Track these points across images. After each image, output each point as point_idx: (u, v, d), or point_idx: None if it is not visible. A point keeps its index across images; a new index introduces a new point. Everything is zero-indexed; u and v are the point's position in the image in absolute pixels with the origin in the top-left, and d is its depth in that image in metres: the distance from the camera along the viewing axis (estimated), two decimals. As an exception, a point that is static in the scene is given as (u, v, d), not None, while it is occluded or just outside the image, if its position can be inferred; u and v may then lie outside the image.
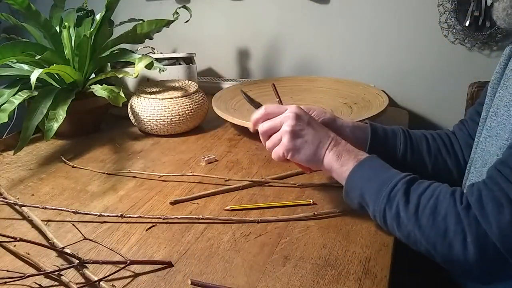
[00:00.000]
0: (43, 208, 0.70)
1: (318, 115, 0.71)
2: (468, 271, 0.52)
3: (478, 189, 0.52)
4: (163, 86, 1.06)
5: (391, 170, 0.60)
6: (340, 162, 0.61)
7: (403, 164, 0.73)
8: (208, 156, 0.89)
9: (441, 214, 0.52)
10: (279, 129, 0.64)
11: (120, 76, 0.98)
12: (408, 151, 0.73)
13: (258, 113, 0.66)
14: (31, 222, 0.69)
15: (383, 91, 1.10)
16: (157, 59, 1.17)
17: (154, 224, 0.68)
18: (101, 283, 0.54)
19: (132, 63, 0.99)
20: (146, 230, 0.67)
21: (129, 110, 1.04)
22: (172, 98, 1.00)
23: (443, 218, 0.52)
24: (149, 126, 1.01)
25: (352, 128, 0.73)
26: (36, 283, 0.55)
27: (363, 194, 0.59)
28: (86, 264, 0.56)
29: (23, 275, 0.54)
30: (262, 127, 0.65)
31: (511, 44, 0.63)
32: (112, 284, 0.55)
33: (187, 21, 1.11)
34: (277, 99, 0.77)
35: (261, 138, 0.67)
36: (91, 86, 0.99)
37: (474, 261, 0.50)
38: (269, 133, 0.65)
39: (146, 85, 1.08)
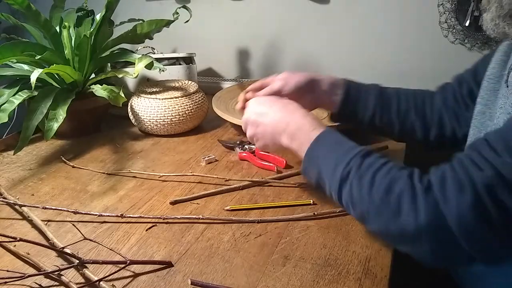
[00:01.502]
0: (43, 208, 0.70)
1: (296, 84, 0.76)
2: (420, 255, 0.51)
3: (443, 170, 0.50)
4: (163, 86, 1.06)
5: (346, 144, 0.59)
6: (295, 143, 0.64)
7: (371, 124, 0.77)
8: (208, 156, 0.89)
9: (395, 192, 0.51)
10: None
11: (120, 76, 0.98)
12: (377, 112, 0.77)
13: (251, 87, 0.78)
14: (31, 222, 0.69)
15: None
16: (157, 59, 1.17)
17: (154, 224, 0.68)
18: (101, 283, 0.54)
19: (132, 63, 0.99)
20: (146, 230, 0.67)
21: (129, 110, 1.04)
22: (172, 98, 1.00)
23: (398, 196, 0.51)
24: (149, 126, 1.01)
25: (331, 86, 0.78)
26: (36, 283, 0.55)
27: (320, 172, 0.60)
28: (86, 264, 0.57)
29: (23, 275, 0.54)
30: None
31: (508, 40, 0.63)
32: (112, 284, 0.55)
33: (187, 21, 1.11)
34: None
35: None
36: (91, 86, 0.99)
37: (426, 243, 0.49)
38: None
39: (146, 85, 1.08)
